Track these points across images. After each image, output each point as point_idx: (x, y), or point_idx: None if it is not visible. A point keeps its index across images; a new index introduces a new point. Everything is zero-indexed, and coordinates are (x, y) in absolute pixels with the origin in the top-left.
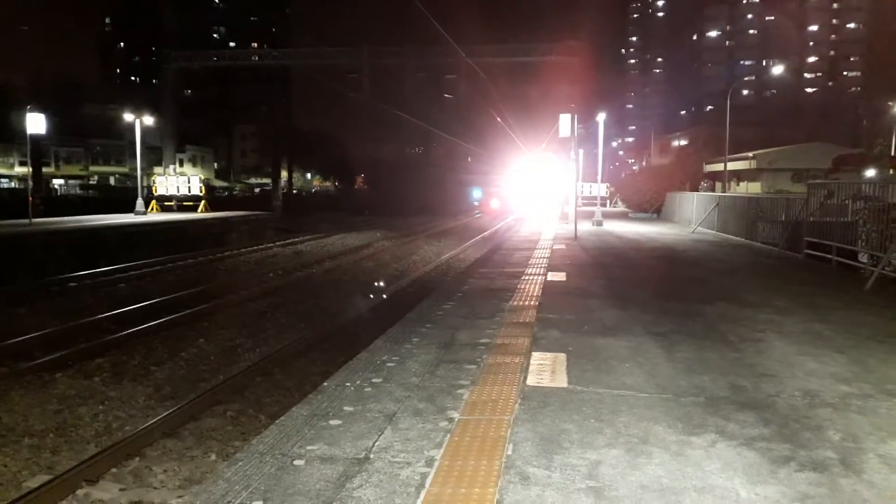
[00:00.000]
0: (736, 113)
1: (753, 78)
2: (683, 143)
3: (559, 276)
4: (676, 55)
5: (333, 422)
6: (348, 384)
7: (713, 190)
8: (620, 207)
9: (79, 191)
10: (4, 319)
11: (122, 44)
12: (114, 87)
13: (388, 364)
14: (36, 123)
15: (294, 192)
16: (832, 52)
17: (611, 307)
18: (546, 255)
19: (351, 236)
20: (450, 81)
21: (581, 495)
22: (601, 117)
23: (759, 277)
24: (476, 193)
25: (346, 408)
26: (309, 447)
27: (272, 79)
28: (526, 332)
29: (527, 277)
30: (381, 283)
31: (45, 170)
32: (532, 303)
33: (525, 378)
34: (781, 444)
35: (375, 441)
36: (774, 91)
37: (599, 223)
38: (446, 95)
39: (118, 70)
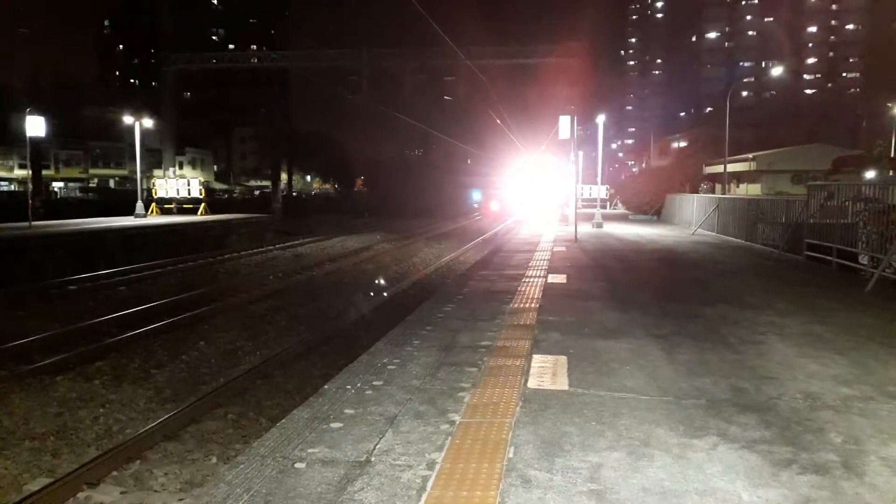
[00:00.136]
0: (735, 114)
1: (753, 79)
2: (683, 144)
3: (559, 279)
4: (676, 57)
5: (334, 424)
6: (349, 387)
7: (713, 192)
8: (620, 209)
9: (78, 193)
10: (5, 322)
11: (121, 46)
12: (113, 90)
13: (389, 367)
14: (35, 126)
15: (294, 194)
16: (831, 54)
17: (611, 309)
18: (546, 258)
19: (351, 239)
20: (449, 83)
21: (583, 498)
22: (601, 119)
23: (760, 279)
24: (476, 196)
25: (347, 410)
26: (310, 450)
27: (271, 81)
28: (527, 335)
29: (527, 280)
30: (382, 286)
31: (44, 172)
32: (532, 305)
33: (526, 381)
34: (783, 446)
35: (376, 444)
36: (774, 92)
37: (599, 225)
38: (446, 97)
39: (117, 72)
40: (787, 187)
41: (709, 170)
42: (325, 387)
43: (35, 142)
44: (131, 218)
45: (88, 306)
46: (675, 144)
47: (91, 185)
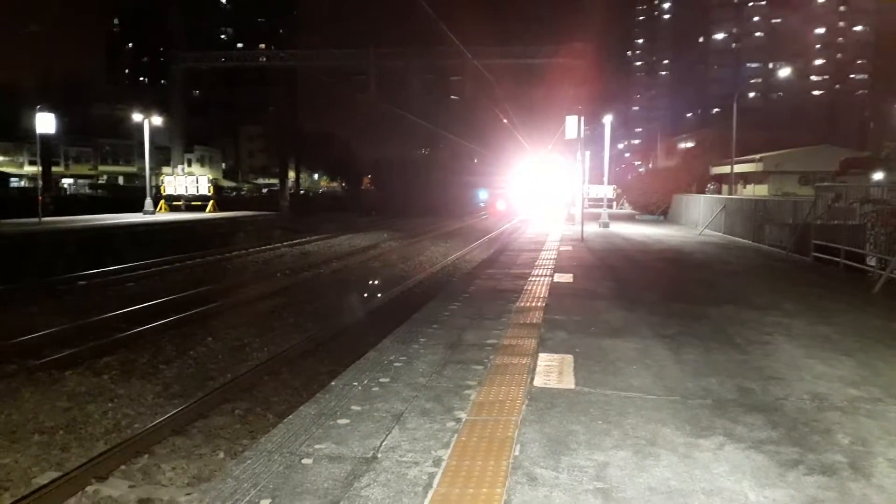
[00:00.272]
0: (742, 115)
1: (760, 80)
2: (690, 145)
3: (566, 278)
4: (683, 57)
5: (341, 421)
6: (356, 383)
7: (720, 192)
8: (627, 209)
9: (88, 190)
10: (15, 317)
11: (130, 44)
12: (122, 88)
13: (396, 364)
14: (45, 123)
15: (301, 192)
16: (839, 55)
17: (618, 309)
18: (552, 257)
19: (358, 237)
20: (455, 83)
21: (589, 496)
22: (607, 119)
23: (767, 280)
24: (482, 195)
25: (353, 407)
26: (317, 446)
27: (279, 80)
28: (533, 334)
29: (533, 279)
30: (388, 284)
31: (54, 169)
32: (539, 304)
33: (532, 379)
34: (790, 447)
35: (383, 440)
36: (781, 94)
37: (606, 225)
38: (452, 97)
39: (126, 70)
40: (795, 188)
41: (716, 170)
42: (332, 383)
43: (45, 138)
44: (140, 214)
45: (97, 302)
46: (682, 145)
47: (100, 181)
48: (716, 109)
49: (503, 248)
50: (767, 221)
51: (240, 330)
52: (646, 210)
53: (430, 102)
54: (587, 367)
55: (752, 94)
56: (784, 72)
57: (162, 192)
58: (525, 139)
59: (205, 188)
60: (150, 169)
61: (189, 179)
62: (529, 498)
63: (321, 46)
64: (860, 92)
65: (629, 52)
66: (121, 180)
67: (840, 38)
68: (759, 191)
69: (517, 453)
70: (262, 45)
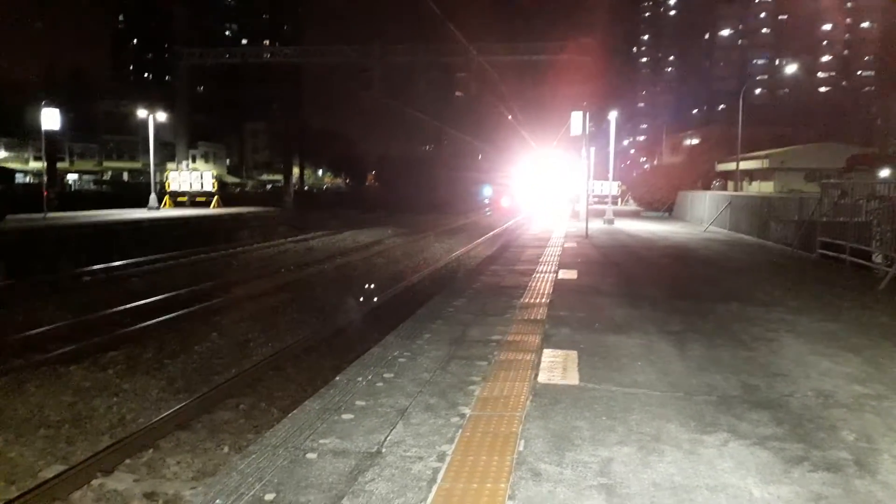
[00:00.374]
0: (748, 112)
1: (766, 77)
2: (695, 141)
3: (570, 274)
4: (688, 53)
5: (346, 416)
6: (360, 379)
7: (725, 189)
8: (632, 206)
9: (92, 186)
10: (20, 312)
11: (135, 40)
12: (127, 84)
13: (400, 359)
14: (50, 119)
15: (305, 188)
16: (846, 52)
17: (622, 305)
18: (557, 253)
19: (362, 233)
20: (461, 79)
21: (593, 492)
22: (613, 115)
23: (772, 277)
24: (486, 191)
25: (358, 402)
26: (321, 441)
27: (284, 76)
28: (537, 330)
29: (538, 275)
30: (392, 280)
31: (59, 165)
32: (543, 300)
33: (536, 375)
34: (795, 443)
35: (387, 435)
36: (787, 90)
37: (611, 221)
38: (457, 93)
39: (131, 67)
40: (801, 185)
41: (721, 167)
42: (337, 379)
43: (50, 134)
44: (144, 210)
45: (102, 297)
46: (688, 141)
47: (105, 177)
48: (721, 106)
49: (507, 244)
50: (773, 218)
51: (244, 325)
52: (651, 207)
53: (434, 99)
54: (591, 364)
55: (758, 91)
56: (790, 68)
57: (166, 188)
58: (530, 136)
59: (209, 184)
60: (155, 165)
61: (193, 175)
62: (533, 493)
63: (326, 43)
64: (867, 89)
65: (634, 49)
66: (125, 176)
67: (847, 35)
68: (764, 187)
69: (521, 449)
70: (267, 42)
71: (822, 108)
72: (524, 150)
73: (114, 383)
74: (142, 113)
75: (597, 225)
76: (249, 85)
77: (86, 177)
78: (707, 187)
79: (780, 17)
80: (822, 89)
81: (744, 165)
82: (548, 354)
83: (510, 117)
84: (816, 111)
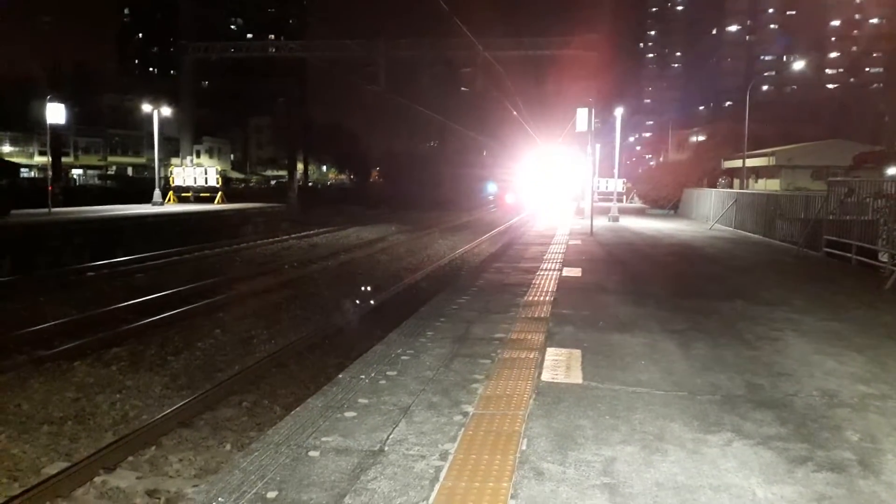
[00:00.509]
0: (755, 109)
1: (773, 73)
2: (701, 138)
3: (574, 272)
4: (695, 49)
5: (348, 413)
6: (363, 376)
7: (731, 186)
8: (637, 203)
9: (97, 181)
10: (24, 308)
11: (139, 35)
12: (132, 78)
13: (403, 357)
14: (56, 113)
15: (310, 184)
16: (854, 48)
17: (626, 303)
18: (561, 251)
19: (366, 229)
20: (466, 75)
21: (596, 491)
22: (618, 112)
23: (777, 275)
24: (491, 188)
25: (360, 400)
26: (324, 438)
27: (288, 71)
28: (541, 328)
29: (542, 273)
30: (396, 277)
31: (64, 159)
32: (547, 298)
33: (540, 373)
34: (799, 443)
35: (390, 434)
36: (795, 87)
37: (615, 219)
38: (462, 89)
39: (136, 61)
40: (807, 183)
41: (727, 164)
42: (340, 376)
43: (55, 129)
44: (149, 206)
45: (106, 293)
46: (694, 138)
47: (109, 172)
48: (728, 103)
49: (511, 241)
50: (779, 216)
51: (247, 322)
52: (656, 204)
53: (439, 94)
54: (595, 362)
55: (765, 88)
56: (798, 65)
57: (171, 183)
58: (535, 132)
59: (213, 180)
60: (160, 160)
61: (198, 171)
62: (536, 492)
63: (331, 37)
64: (875, 85)
65: (641, 44)
66: (130, 171)
67: (855, 31)
68: (770, 185)
69: (524, 448)
70: (272, 36)
71: (830, 105)
72: (529, 147)
73: (117, 380)
74: (146, 107)
75: (601, 222)
76: (254, 80)
77: (90, 171)
78: (713, 185)
79: (787, 14)
80: (830, 86)
81: (750, 163)
82: (551, 353)
83: (515, 113)
84: (824, 108)
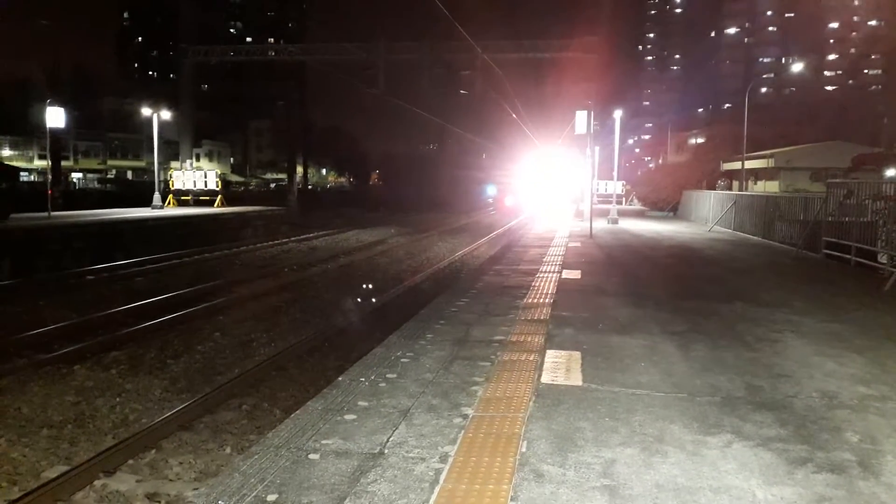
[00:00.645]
0: (754, 111)
1: (772, 76)
2: (700, 140)
3: (574, 274)
4: (694, 52)
5: (348, 416)
6: (363, 379)
7: (730, 188)
8: (636, 205)
9: (97, 184)
10: (24, 311)
11: (139, 38)
12: (131, 82)
13: (403, 360)
14: (55, 117)
15: (309, 187)
16: (853, 50)
17: (626, 305)
18: (561, 253)
19: (365, 232)
20: (465, 77)
21: (596, 493)
22: (618, 114)
23: (777, 277)
24: (490, 190)
25: (360, 403)
26: (324, 441)
27: (288, 74)
28: (540, 330)
29: (541, 275)
30: (396, 280)
31: (64, 163)
32: (546, 300)
33: (539, 375)
34: (799, 445)
35: (390, 436)
36: (793, 89)
37: (615, 221)
38: (461, 91)
39: (135, 64)
40: (806, 185)
41: (727, 166)
42: (339, 379)
43: (54, 133)
44: (148, 209)
45: (106, 296)
46: (693, 140)
47: (109, 176)
48: (727, 105)
49: (511, 244)
50: (778, 218)
51: (247, 325)
52: (655, 206)
53: (439, 97)
54: (595, 364)
55: (764, 90)
56: (797, 67)
57: (170, 186)
58: (534, 134)
59: (213, 183)
60: (159, 163)
61: (197, 174)
62: (536, 494)
63: (330, 40)
64: (874, 87)
65: (640, 47)
66: (129, 175)
67: (854, 33)
68: (770, 187)
69: (524, 450)
70: (272, 39)
71: (829, 106)
72: (528, 149)
73: (117, 383)
74: (146, 111)
75: (601, 224)
76: (254, 83)
77: (90, 175)
78: (712, 187)
79: (786, 16)
80: (829, 88)
81: (749, 165)
82: (551, 355)
83: (514, 115)
84: (822, 110)
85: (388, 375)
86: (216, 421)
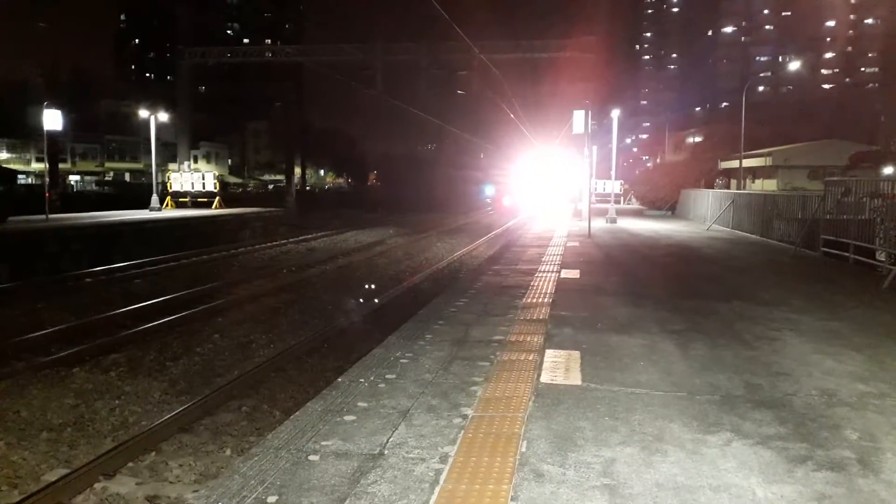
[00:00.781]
0: (751, 109)
1: (769, 74)
2: (698, 139)
3: (573, 274)
4: (691, 51)
5: (348, 417)
6: (362, 380)
7: (728, 187)
8: (634, 205)
9: (94, 187)
10: (23, 314)
11: (136, 40)
12: (129, 84)
13: (402, 360)
14: (53, 120)
15: (307, 188)
16: (849, 48)
17: (625, 305)
18: (559, 252)
19: (363, 233)
20: (463, 78)
21: (596, 493)
22: (615, 113)
23: (775, 275)
24: (488, 190)
25: (360, 403)
26: (323, 442)
27: (285, 75)
28: (539, 330)
29: (540, 274)
30: (394, 280)
31: (61, 166)
32: (545, 300)
33: (539, 375)
34: (798, 443)
35: (390, 437)
36: (791, 87)
37: (613, 220)
38: (459, 92)
39: (133, 66)
40: (804, 183)
41: (724, 165)
42: (339, 380)
43: (52, 135)
44: (146, 211)
45: (104, 299)
46: (691, 139)
47: (107, 178)
48: (724, 103)
49: (510, 243)
50: (776, 216)
51: (246, 327)
52: (653, 205)
53: (436, 97)
54: (594, 364)
55: (761, 88)
56: (794, 65)
57: (168, 188)
58: (532, 134)
59: (211, 185)
60: (157, 165)
61: (195, 176)
62: (536, 494)
63: (327, 41)
64: (871, 85)
65: (637, 46)
66: (127, 177)
67: (850, 31)
68: (767, 185)
69: (524, 450)
70: (269, 41)
71: (826, 104)
72: (526, 149)
73: (116, 386)
74: (144, 113)
75: (599, 224)
76: (251, 84)
77: (88, 178)
78: (710, 185)
79: (783, 14)
80: (826, 86)
81: (747, 163)
82: (550, 354)
83: (512, 115)
84: (820, 108)
85: (387, 376)
86: (216, 423)
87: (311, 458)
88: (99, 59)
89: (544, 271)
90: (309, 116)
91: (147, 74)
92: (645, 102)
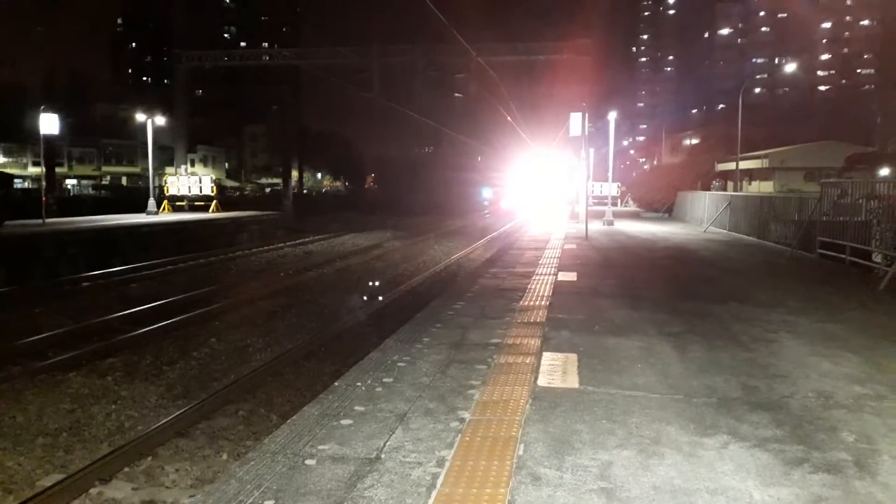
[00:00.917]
0: (748, 111)
1: (766, 76)
2: (695, 141)
3: (570, 276)
4: (688, 53)
5: (345, 421)
6: (359, 384)
7: (725, 189)
8: (631, 207)
9: (91, 191)
10: (19, 319)
11: (133, 44)
12: (125, 88)
13: (399, 364)
14: (49, 124)
15: (304, 191)
16: (845, 50)
17: (622, 307)
18: (556, 255)
19: (361, 236)
20: (459, 80)
21: (593, 496)
22: (612, 116)
23: (772, 277)
24: (485, 193)
25: (357, 407)
26: (320, 447)
27: (282, 78)
28: (536, 333)
29: (537, 277)
30: (392, 283)
31: (57, 170)
32: (542, 303)
33: (536, 378)
34: (795, 445)
35: (386, 441)
36: (787, 89)
37: (610, 223)
38: (456, 94)
39: (130, 70)
40: (800, 185)
41: (721, 167)
42: (336, 384)
43: (48, 139)
44: (143, 215)
45: (101, 303)
46: (687, 141)
47: (103, 182)
48: (721, 105)
49: (507, 246)
50: (773, 218)
51: (243, 330)
52: (650, 207)
53: (433, 100)
54: (591, 366)
55: (757, 90)
56: (790, 67)
57: (165, 192)
58: (529, 136)
59: (208, 188)
60: (154, 169)
61: (192, 180)
62: (533, 498)
63: (324, 44)
64: (867, 87)
65: (634, 48)
66: (124, 181)
67: (846, 33)
68: (764, 187)
69: (521, 453)
70: (266, 44)
71: (822, 106)
72: (523, 152)
73: (112, 390)
74: (140, 117)
75: (596, 226)
76: (248, 88)
77: (84, 182)
78: (707, 187)
79: (779, 16)
80: (822, 88)
81: (743, 165)
82: (547, 357)
83: (509, 118)
84: (816, 110)
85: (384, 380)
86: (212, 427)
87: (308, 462)
88: (96, 63)
89: (541, 274)
90: (306, 120)
91: (144, 78)
92: (642, 105)
